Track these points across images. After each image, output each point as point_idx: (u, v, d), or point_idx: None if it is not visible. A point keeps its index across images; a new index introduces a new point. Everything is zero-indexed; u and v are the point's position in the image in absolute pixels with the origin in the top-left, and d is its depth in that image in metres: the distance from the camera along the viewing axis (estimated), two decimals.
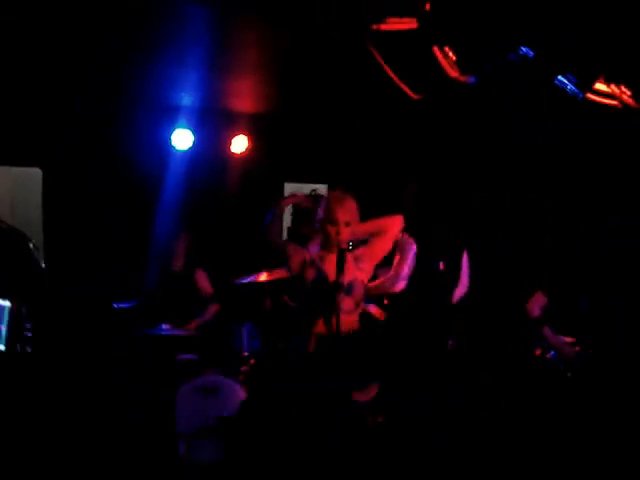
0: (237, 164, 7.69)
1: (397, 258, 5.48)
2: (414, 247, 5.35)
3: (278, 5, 5.00)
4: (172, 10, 5.26)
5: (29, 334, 4.93)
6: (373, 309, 5.60)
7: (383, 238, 4.43)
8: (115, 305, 6.22)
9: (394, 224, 4.48)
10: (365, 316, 5.47)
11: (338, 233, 4.22)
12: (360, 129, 6.55)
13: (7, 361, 4.89)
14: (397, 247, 5.54)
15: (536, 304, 4.48)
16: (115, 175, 7.17)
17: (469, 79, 3.85)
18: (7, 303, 4.88)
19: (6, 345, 4.86)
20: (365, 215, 4.45)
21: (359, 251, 4.37)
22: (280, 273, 5.86)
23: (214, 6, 5.22)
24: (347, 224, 4.24)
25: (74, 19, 5.31)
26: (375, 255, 4.42)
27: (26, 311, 5.00)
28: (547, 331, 4.50)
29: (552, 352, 4.76)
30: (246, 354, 6.14)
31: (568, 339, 4.54)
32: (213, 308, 6.52)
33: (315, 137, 7.50)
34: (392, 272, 5.27)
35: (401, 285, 5.42)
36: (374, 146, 6.82)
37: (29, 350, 4.92)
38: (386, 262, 5.62)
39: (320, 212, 4.32)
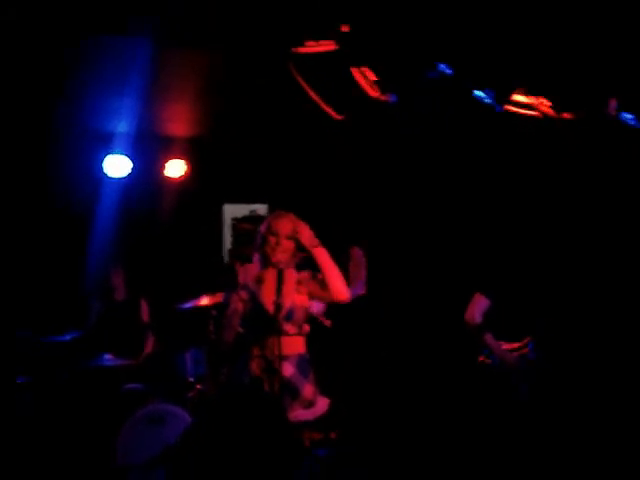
0: (175, 188, 7.64)
1: (352, 267, 5.76)
2: (363, 255, 5.80)
3: (207, 35, 5.02)
4: (106, 40, 5.25)
5: None
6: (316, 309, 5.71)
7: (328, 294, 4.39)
8: (55, 339, 6.13)
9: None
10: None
11: (278, 244, 4.20)
12: (291, 148, 6.59)
13: None
14: (351, 259, 5.82)
15: (477, 308, 4.44)
16: (47, 205, 7.06)
17: (389, 98, 3.91)
18: None
19: None
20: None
21: (304, 275, 4.36)
22: (221, 296, 5.83)
23: (145, 36, 5.23)
24: (288, 237, 4.23)
25: (7, 48, 5.26)
26: (323, 297, 4.41)
27: None
28: (489, 338, 4.47)
29: (493, 359, 4.77)
30: (191, 380, 6.09)
31: (509, 345, 4.56)
32: (150, 340, 6.47)
33: (252, 158, 7.50)
34: (356, 281, 5.70)
35: (363, 290, 5.70)
36: (307, 165, 6.87)
37: None
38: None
39: (262, 226, 4.33)
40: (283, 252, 4.21)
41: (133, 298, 6.52)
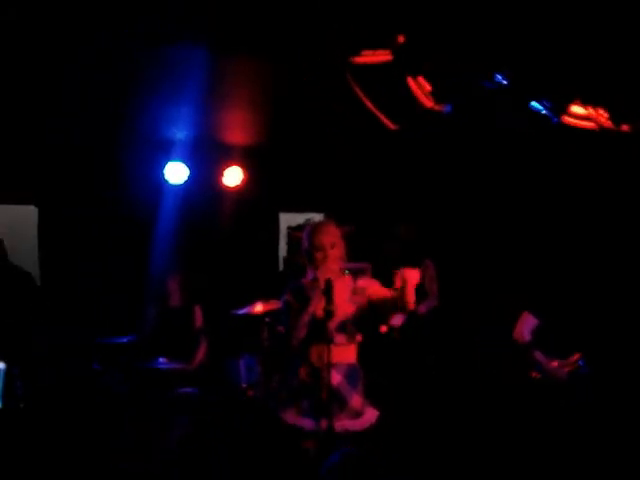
0: (231, 196, 7.72)
1: (427, 280, 5.82)
2: (434, 267, 5.68)
3: (266, 43, 5.09)
4: (166, 49, 5.36)
5: (20, 392, 5.15)
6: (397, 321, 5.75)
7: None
8: (113, 340, 6.24)
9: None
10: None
11: (325, 257, 4.19)
12: (347, 158, 6.62)
13: (3, 417, 5.13)
14: (423, 271, 5.88)
15: (525, 327, 4.40)
16: (110, 211, 7.22)
17: (445, 108, 3.90)
18: (2, 365, 5.23)
19: (2, 402, 5.09)
20: (359, 241, 4.46)
21: (360, 284, 4.34)
22: (275, 304, 5.88)
23: (205, 45, 5.32)
24: (333, 245, 4.21)
25: (69, 57, 5.41)
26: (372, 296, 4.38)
27: (17, 371, 5.35)
28: (539, 355, 4.41)
29: (544, 375, 4.69)
30: (244, 386, 6.13)
31: (559, 362, 4.49)
32: (203, 345, 6.49)
33: (309, 166, 7.54)
34: (430, 293, 5.64)
35: (436, 302, 5.78)
36: (363, 175, 6.88)
37: (21, 406, 5.14)
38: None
39: (304, 241, 4.31)
40: (333, 262, 4.20)
41: (187, 304, 6.58)
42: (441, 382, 5.68)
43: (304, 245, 4.27)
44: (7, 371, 5.24)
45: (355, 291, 4.27)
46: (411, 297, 4.03)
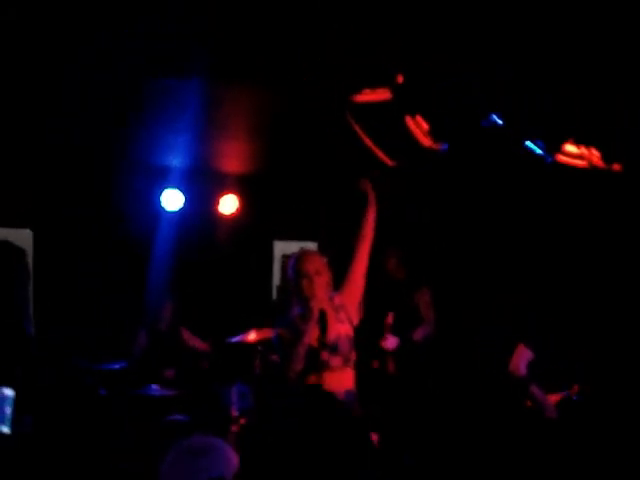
0: (227, 224, 7.77)
1: (423, 308, 6.07)
2: (430, 294, 6.06)
3: (265, 77, 5.15)
4: (162, 79, 5.42)
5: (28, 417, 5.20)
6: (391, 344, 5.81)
7: (354, 280, 4.41)
8: (105, 367, 6.25)
9: (360, 266, 4.45)
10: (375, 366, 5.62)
11: (312, 283, 4.21)
12: (342, 188, 6.68)
13: (12, 442, 5.16)
14: (419, 298, 5.99)
15: (521, 360, 4.41)
16: (106, 236, 7.26)
17: (441, 146, 3.98)
18: (11, 392, 5.25)
19: (11, 428, 5.11)
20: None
21: (337, 300, 4.36)
22: (268, 332, 5.91)
23: (203, 75, 5.37)
24: (318, 273, 4.24)
25: (65, 84, 5.46)
26: (354, 298, 4.39)
27: (25, 397, 5.34)
28: (534, 389, 4.42)
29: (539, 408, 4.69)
30: (236, 414, 6.14)
31: (555, 396, 4.51)
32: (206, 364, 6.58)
33: (304, 196, 7.60)
34: (426, 320, 6.05)
35: (432, 329, 6.04)
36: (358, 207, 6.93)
37: (29, 431, 5.19)
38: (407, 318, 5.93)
39: (289, 270, 4.34)
40: (319, 290, 4.23)
41: (174, 327, 6.63)
42: (440, 410, 5.69)
43: (289, 274, 4.30)
44: (16, 398, 5.31)
45: (337, 308, 4.29)
46: None
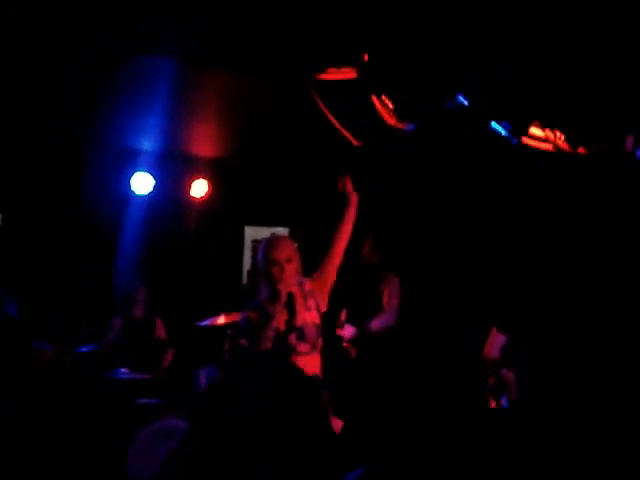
0: (197, 208, 7.75)
1: (386, 296, 5.84)
2: (399, 284, 5.86)
3: (235, 54, 5.13)
4: (133, 59, 5.38)
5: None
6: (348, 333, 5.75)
7: (327, 271, 4.40)
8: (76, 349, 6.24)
9: (334, 260, 4.44)
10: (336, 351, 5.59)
11: (282, 271, 4.19)
12: (312, 172, 6.68)
13: None
14: (385, 285, 5.85)
15: (494, 344, 4.41)
16: (75, 220, 7.20)
17: (407, 126, 3.98)
18: None
19: None
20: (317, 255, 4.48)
21: (307, 287, 4.36)
22: (238, 316, 5.90)
23: (173, 56, 5.34)
24: (289, 260, 4.22)
25: (36, 65, 5.41)
26: (324, 287, 4.38)
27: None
28: (507, 373, 4.41)
29: (505, 400, 4.61)
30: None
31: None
32: (169, 354, 6.59)
33: (274, 181, 7.59)
34: (388, 309, 5.82)
35: (394, 319, 5.79)
36: (327, 190, 6.93)
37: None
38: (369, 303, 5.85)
39: (259, 257, 4.31)
40: (289, 276, 4.21)
41: (149, 316, 6.63)
42: (398, 399, 5.69)
43: (259, 261, 4.27)
44: None
45: (305, 295, 4.29)
46: None
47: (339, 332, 5.78)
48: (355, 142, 4.10)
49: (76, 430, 5.65)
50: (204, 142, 7.36)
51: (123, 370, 6.14)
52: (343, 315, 5.69)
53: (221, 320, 6.12)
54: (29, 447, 5.22)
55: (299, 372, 4.16)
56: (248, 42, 4.78)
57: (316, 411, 3.99)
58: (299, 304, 4.22)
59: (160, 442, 5.55)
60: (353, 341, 5.83)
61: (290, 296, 4.16)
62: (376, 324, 5.84)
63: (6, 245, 7.09)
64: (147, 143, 7.22)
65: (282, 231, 7.79)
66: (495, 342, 4.42)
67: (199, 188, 7.67)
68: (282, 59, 4.43)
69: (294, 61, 4.26)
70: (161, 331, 6.70)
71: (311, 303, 4.28)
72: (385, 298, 5.91)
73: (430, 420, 5.08)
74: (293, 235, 7.78)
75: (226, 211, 7.82)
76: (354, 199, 4.18)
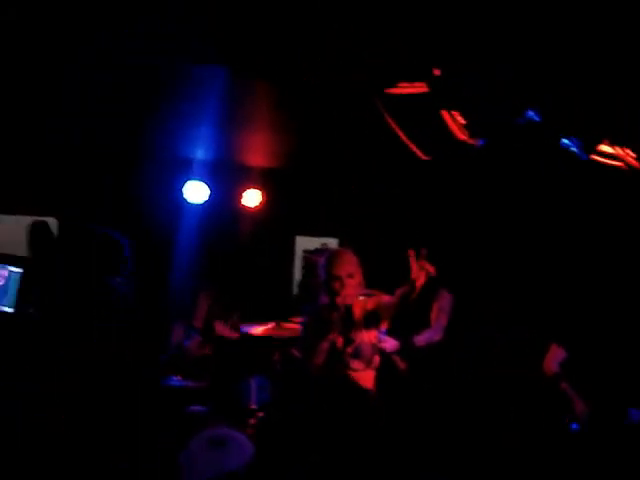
0: (250, 217, 7.78)
1: (435, 312, 5.75)
2: (451, 300, 5.72)
3: (293, 65, 5.14)
4: (189, 68, 5.42)
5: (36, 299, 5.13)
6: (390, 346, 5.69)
7: (388, 309, 4.35)
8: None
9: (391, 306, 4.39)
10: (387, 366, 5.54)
11: (342, 285, 4.19)
12: (370, 186, 6.66)
13: (14, 323, 5.08)
14: (435, 300, 5.78)
15: (554, 359, 4.39)
16: (130, 228, 7.25)
17: (477, 142, 3.96)
18: (19, 270, 5.25)
19: (15, 308, 5.00)
20: (374, 270, 4.46)
21: (369, 304, 4.34)
22: (288, 326, 5.90)
23: (228, 65, 5.38)
24: (350, 276, 4.22)
25: (90, 73, 5.48)
26: (387, 312, 4.36)
27: (36, 278, 5.32)
28: (567, 388, 4.38)
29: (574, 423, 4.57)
30: (254, 407, 6.14)
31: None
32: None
33: (327, 192, 7.59)
34: (435, 325, 5.70)
35: (439, 336, 5.69)
36: (384, 203, 6.92)
37: (36, 314, 5.11)
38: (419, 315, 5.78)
39: (321, 271, 4.30)
40: (350, 290, 4.21)
41: (209, 324, 6.65)
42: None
43: (321, 275, 4.27)
44: (24, 276, 5.24)
45: (368, 315, 4.25)
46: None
47: (379, 344, 5.74)
48: (423, 156, 4.08)
49: (128, 435, 5.68)
50: (257, 152, 7.40)
51: (175, 378, 6.17)
52: (383, 326, 5.66)
53: (271, 329, 6.11)
54: (73, 449, 5.25)
55: (354, 386, 4.18)
56: (311, 53, 4.79)
57: (368, 424, 3.98)
58: (358, 321, 4.21)
59: (212, 449, 5.59)
60: (396, 353, 5.79)
61: (348, 309, 4.16)
62: (421, 339, 5.76)
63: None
64: (201, 152, 7.28)
65: (332, 242, 7.79)
66: (555, 356, 4.40)
67: (252, 198, 7.69)
68: (347, 72, 4.44)
69: (362, 75, 4.26)
70: (225, 331, 6.70)
71: (370, 321, 4.27)
72: (434, 314, 5.87)
73: (484, 433, 5.03)
74: (343, 246, 7.77)
75: (278, 221, 7.83)
76: (422, 282, 4.05)
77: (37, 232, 6.04)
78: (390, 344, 5.70)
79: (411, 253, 3.87)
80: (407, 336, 5.73)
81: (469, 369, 5.13)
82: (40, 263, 5.72)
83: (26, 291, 5.30)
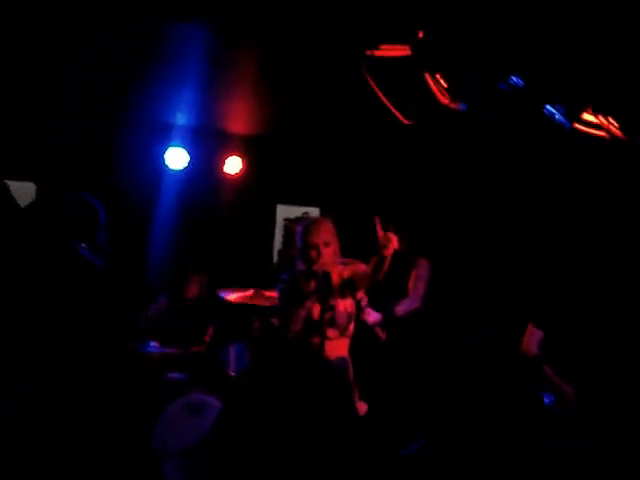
0: (230, 184, 7.73)
1: (412, 281, 5.80)
2: (428, 268, 5.77)
3: (275, 29, 5.08)
4: (169, 30, 5.34)
5: None
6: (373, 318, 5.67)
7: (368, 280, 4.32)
8: None
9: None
10: (366, 334, 5.54)
11: (319, 255, 4.20)
12: (352, 152, 6.62)
13: None
14: (414, 269, 5.79)
15: (532, 340, 4.38)
16: (109, 193, 7.18)
17: (460, 106, 3.93)
18: None
19: None
20: (355, 239, 4.44)
21: (345, 273, 4.32)
22: (268, 294, 5.89)
23: (211, 27, 5.30)
24: (327, 244, 4.22)
25: (69, 39, 5.39)
26: (362, 281, 4.34)
27: None
28: (547, 370, 4.37)
29: (548, 398, 4.53)
30: (233, 374, 6.14)
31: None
32: (210, 330, 6.55)
33: (308, 160, 7.55)
34: (412, 294, 5.77)
35: (418, 304, 5.71)
36: (366, 169, 6.88)
37: None
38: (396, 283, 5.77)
39: (297, 240, 4.29)
40: (326, 258, 4.21)
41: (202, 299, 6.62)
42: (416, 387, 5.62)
43: (298, 244, 4.26)
44: None
45: (342, 281, 4.23)
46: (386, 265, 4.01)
47: (362, 317, 5.74)
48: (405, 121, 4.05)
49: (105, 403, 5.65)
50: (239, 118, 7.33)
51: (153, 344, 6.14)
52: (364, 301, 5.64)
53: (250, 296, 6.08)
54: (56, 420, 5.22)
55: (326, 362, 4.18)
56: (291, 16, 4.74)
57: (338, 396, 3.98)
58: (335, 288, 4.20)
59: (188, 416, 5.58)
60: (379, 325, 5.80)
61: (326, 276, 4.15)
62: (400, 309, 5.81)
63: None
64: (182, 118, 7.20)
65: (313, 211, 7.76)
66: (532, 337, 4.39)
67: (233, 164, 7.64)
68: (329, 33, 4.39)
69: (343, 36, 4.21)
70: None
71: (346, 290, 4.26)
72: (411, 282, 5.89)
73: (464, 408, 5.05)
74: (324, 215, 7.74)
75: (258, 189, 7.79)
76: (389, 252, 3.96)
77: None
78: (373, 317, 5.72)
79: (377, 221, 3.85)
80: (387, 306, 5.76)
81: (468, 369, 5.14)
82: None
83: None
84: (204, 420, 5.48)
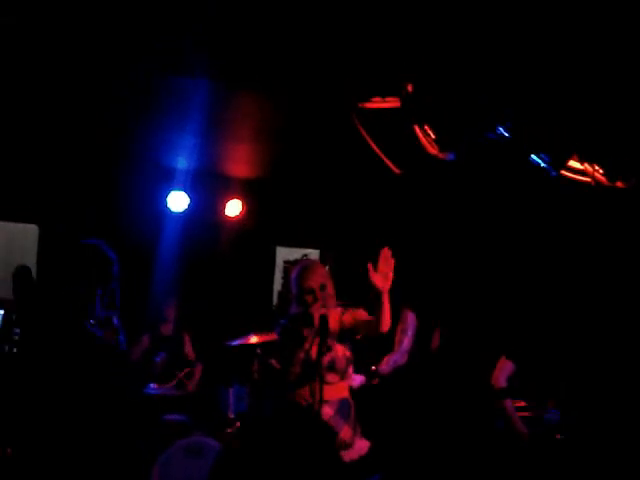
0: (231, 227, 7.82)
1: (398, 333, 5.56)
2: (414, 320, 5.57)
3: (274, 82, 5.19)
4: (173, 81, 5.46)
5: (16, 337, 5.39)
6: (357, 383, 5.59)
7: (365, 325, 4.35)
8: None
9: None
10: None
11: (315, 299, 4.24)
12: (347, 197, 6.72)
13: None
14: (400, 321, 5.67)
15: (502, 372, 4.43)
16: (111, 235, 7.26)
17: (448, 156, 4.03)
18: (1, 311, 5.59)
19: None
20: (354, 279, 4.48)
21: (345, 317, 4.36)
22: (267, 336, 5.93)
23: (214, 80, 5.42)
24: (322, 287, 4.25)
25: (76, 85, 5.51)
26: (358, 334, 4.39)
27: (16, 318, 5.66)
28: (508, 404, 4.42)
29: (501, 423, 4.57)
30: (232, 416, 6.17)
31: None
32: (197, 371, 6.63)
33: (307, 203, 7.64)
34: (398, 349, 5.51)
35: (404, 360, 5.54)
36: (361, 214, 6.97)
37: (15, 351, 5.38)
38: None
39: (292, 285, 4.33)
40: (322, 301, 4.24)
41: (178, 332, 6.69)
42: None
43: (293, 289, 4.31)
44: (5, 316, 5.58)
45: (340, 325, 4.27)
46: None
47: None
48: (396, 170, 4.16)
49: (104, 443, 5.67)
50: (239, 162, 7.44)
51: (152, 385, 6.19)
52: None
53: (252, 340, 6.14)
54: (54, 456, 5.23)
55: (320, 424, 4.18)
56: (289, 66, 4.84)
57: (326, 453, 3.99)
58: (333, 332, 4.23)
59: (187, 458, 5.58)
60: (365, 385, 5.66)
61: (323, 319, 4.20)
62: (385, 368, 5.54)
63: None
64: (183, 161, 7.31)
65: (313, 253, 7.84)
66: (503, 370, 4.44)
67: (233, 207, 7.74)
68: (324, 86, 4.50)
69: (337, 89, 4.32)
70: (189, 348, 6.74)
71: (346, 335, 4.30)
72: (397, 336, 5.58)
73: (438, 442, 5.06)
74: (324, 257, 7.83)
75: (258, 231, 7.88)
76: (385, 296, 3.94)
77: (20, 276, 6.38)
78: (357, 381, 5.56)
79: (370, 267, 3.88)
80: (370, 364, 5.64)
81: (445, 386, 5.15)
82: (22, 305, 5.97)
83: (7, 331, 5.53)
84: (203, 462, 5.50)
